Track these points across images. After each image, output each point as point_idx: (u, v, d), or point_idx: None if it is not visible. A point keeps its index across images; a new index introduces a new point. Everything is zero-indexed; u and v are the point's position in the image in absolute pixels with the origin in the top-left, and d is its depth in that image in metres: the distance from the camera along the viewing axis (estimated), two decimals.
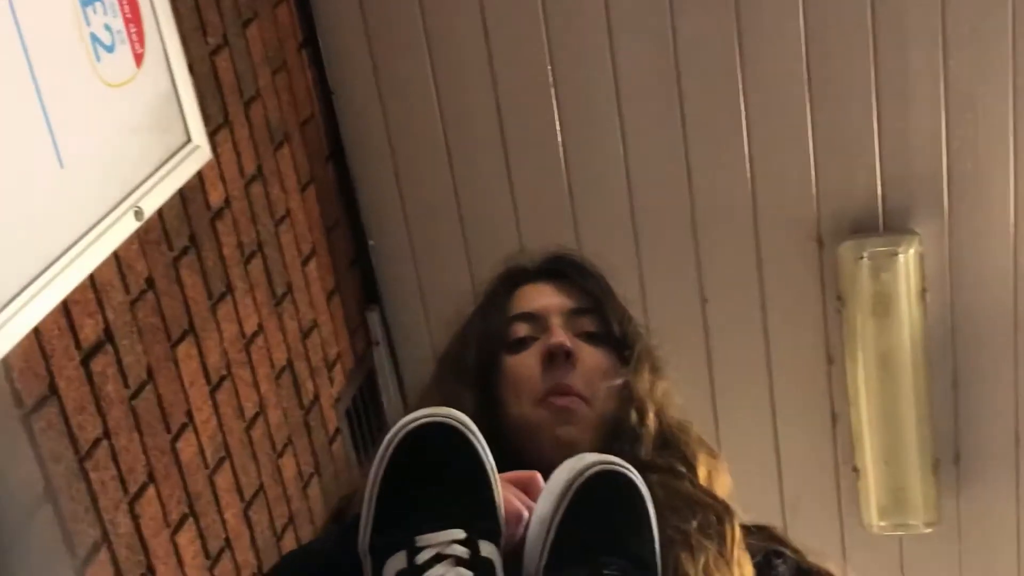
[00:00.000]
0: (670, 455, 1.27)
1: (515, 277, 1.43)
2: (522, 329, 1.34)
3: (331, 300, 2.67)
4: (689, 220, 2.66)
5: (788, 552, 1.25)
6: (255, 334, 2.30)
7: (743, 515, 1.25)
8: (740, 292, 2.70)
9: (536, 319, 1.34)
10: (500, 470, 1.03)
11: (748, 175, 2.60)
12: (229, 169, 2.25)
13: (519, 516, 1.03)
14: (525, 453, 1.24)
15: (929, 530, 2.78)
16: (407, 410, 1.02)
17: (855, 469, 2.77)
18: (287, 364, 2.43)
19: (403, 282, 2.85)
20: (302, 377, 2.49)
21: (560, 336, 1.30)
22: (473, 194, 2.72)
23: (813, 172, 2.57)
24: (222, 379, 2.16)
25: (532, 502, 1.04)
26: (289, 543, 2.32)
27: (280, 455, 2.35)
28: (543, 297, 1.37)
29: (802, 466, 2.82)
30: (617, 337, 1.34)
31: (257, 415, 2.28)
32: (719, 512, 1.19)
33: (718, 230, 2.66)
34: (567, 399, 1.26)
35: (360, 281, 2.85)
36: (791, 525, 2.78)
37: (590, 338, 1.33)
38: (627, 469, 1.00)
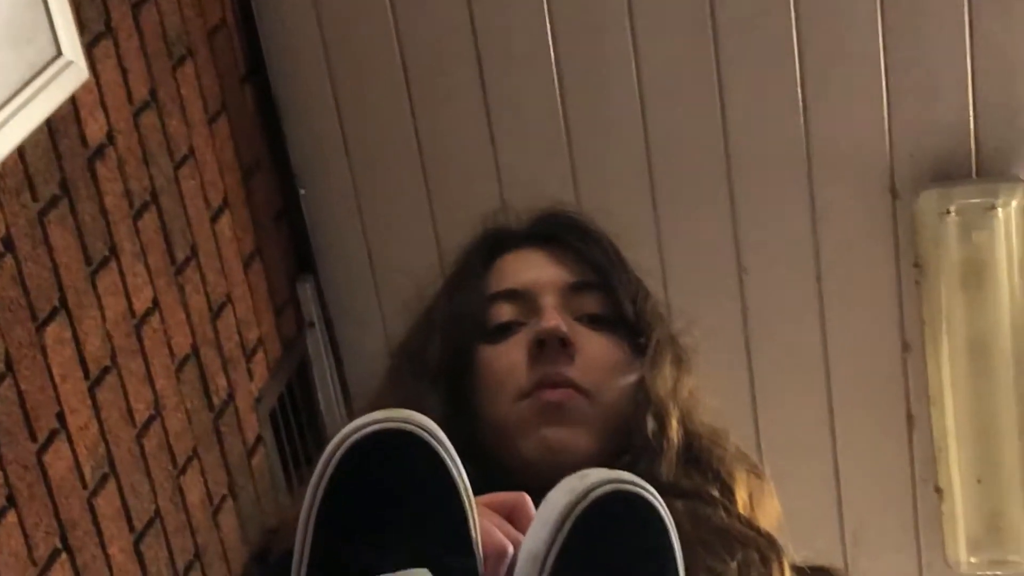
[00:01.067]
0: (699, 475, 1.28)
1: (496, 243, 1.43)
2: (505, 311, 1.34)
3: (249, 267, 2.67)
4: (723, 167, 2.66)
5: None
6: (148, 312, 2.29)
7: (793, 552, 1.26)
8: (788, 260, 2.71)
9: (523, 298, 1.34)
10: (478, 492, 1.03)
11: (800, 107, 2.59)
12: (113, 94, 2.23)
13: (502, 551, 1.03)
14: (507, 469, 1.24)
15: None
16: (352, 414, 1.02)
17: (938, 489, 2.79)
18: (191, 352, 2.43)
19: (345, 244, 2.85)
20: (211, 369, 2.49)
21: (554, 319, 1.30)
22: (439, 129, 2.72)
23: (885, 102, 2.58)
24: (104, 371, 2.15)
25: (520, 534, 1.04)
26: None
27: (182, 472, 2.35)
28: (532, 270, 1.37)
29: (869, 486, 2.84)
30: (629, 320, 1.35)
31: (152, 419, 2.28)
32: (763, 548, 1.20)
33: (759, 177, 2.66)
34: (559, 392, 1.27)
35: (288, 243, 2.85)
36: (855, 562, 2.82)
37: (593, 322, 1.34)
38: (645, 489, 1.00)
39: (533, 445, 1.26)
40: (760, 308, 2.74)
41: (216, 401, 2.49)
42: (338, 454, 0.98)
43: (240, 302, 2.62)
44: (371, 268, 2.84)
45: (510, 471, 1.24)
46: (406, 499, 0.98)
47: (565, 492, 1.00)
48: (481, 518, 1.02)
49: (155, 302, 2.32)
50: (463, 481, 1.00)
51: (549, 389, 1.28)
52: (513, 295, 1.35)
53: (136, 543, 2.19)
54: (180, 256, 2.41)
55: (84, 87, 2.11)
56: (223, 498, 2.48)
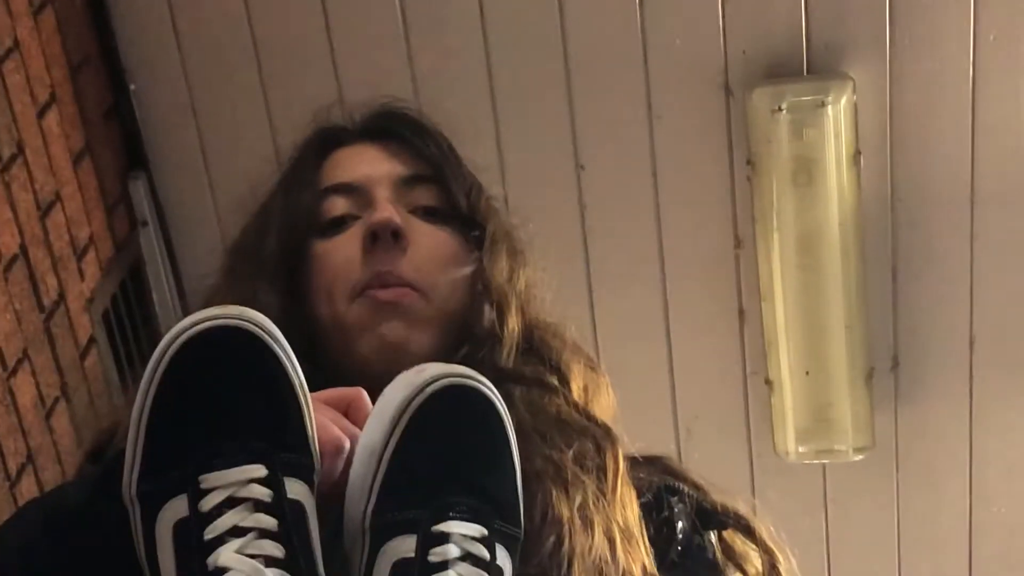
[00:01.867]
0: (537, 364, 1.29)
1: (330, 139, 1.42)
2: (338, 205, 1.34)
3: (79, 165, 2.61)
4: (560, 62, 2.66)
5: (685, 488, 1.29)
6: None
7: (628, 443, 1.28)
8: (624, 156, 2.73)
9: (356, 191, 1.34)
10: (313, 388, 1.03)
11: (636, 3, 2.60)
12: None
13: (339, 446, 1.04)
14: (345, 366, 1.25)
15: (860, 456, 2.88)
16: (188, 314, 1.01)
17: (767, 382, 2.86)
18: (19, 252, 2.38)
19: (178, 140, 2.80)
20: (40, 270, 2.44)
21: (386, 211, 1.30)
22: (274, 22, 2.68)
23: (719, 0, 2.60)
24: None
25: (356, 429, 1.05)
26: (28, 491, 2.30)
27: (12, 374, 2.32)
28: (365, 164, 1.36)
29: (701, 379, 2.90)
30: (463, 213, 1.36)
31: None
32: (599, 437, 1.22)
33: (596, 75, 2.67)
34: (392, 291, 1.27)
35: (119, 139, 2.80)
36: (688, 452, 2.89)
37: (428, 214, 1.35)
38: (481, 383, 1.01)
39: (370, 343, 1.27)
40: (596, 204, 2.76)
41: (46, 302, 2.45)
42: (170, 351, 0.98)
43: (70, 200, 2.57)
44: (205, 165, 2.80)
45: (348, 370, 1.24)
46: (240, 396, 0.98)
47: (402, 387, 1.01)
48: (317, 414, 1.02)
49: None
50: (298, 377, 1.00)
51: (382, 288, 1.28)
52: (347, 188, 1.34)
53: None
54: (6, 153, 2.36)
55: None
56: (56, 400, 2.45)
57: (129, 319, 2.76)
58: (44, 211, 2.47)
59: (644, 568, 1.15)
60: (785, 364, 2.80)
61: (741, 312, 2.84)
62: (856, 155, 2.67)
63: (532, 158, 2.71)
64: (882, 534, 3.00)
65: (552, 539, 1.11)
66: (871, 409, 2.85)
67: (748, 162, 2.68)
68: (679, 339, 2.86)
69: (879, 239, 2.74)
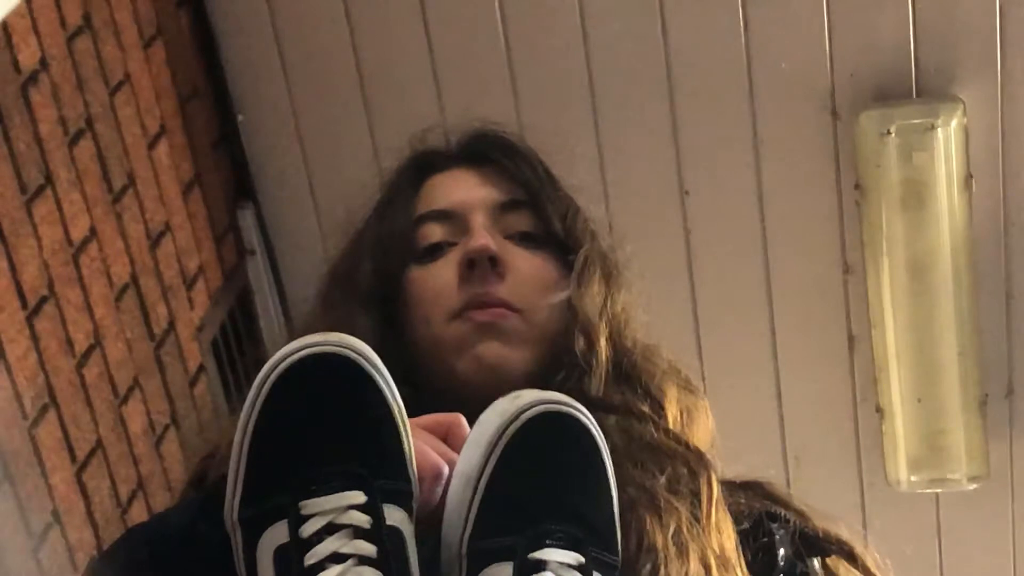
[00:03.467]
0: (630, 390, 1.29)
1: (425, 164, 1.43)
2: (434, 232, 1.35)
3: (188, 195, 2.65)
4: (664, 85, 2.66)
5: (786, 514, 1.27)
6: (86, 241, 2.28)
7: (728, 468, 1.28)
8: (730, 181, 2.72)
9: (452, 218, 1.35)
10: (412, 414, 1.04)
11: (740, 25, 2.60)
12: (45, 18, 2.21)
13: (437, 472, 1.04)
14: (442, 390, 1.26)
15: (974, 486, 2.84)
16: (292, 339, 1.02)
17: (878, 409, 2.82)
18: (130, 281, 2.41)
19: (285, 169, 2.83)
20: (151, 298, 2.48)
21: (483, 238, 1.31)
22: (378, 51, 2.70)
23: (826, 22, 2.58)
24: (42, 301, 2.14)
25: (454, 454, 1.05)
26: (138, 517, 2.33)
27: (124, 402, 2.35)
28: (461, 189, 1.37)
29: (811, 407, 2.87)
30: (559, 237, 1.36)
31: (92, 349, 2.27)
32: (692, 463, 1.21)
33: (701, 99, 2.66)
34: (490, 311, 1.28)
35: (228, 169, 2.83)
36: (797, 482, 2.86)
37: (524, 240, 1.35)
38: (576, 410, 1.01)
39: (468, 363, 1.27)
40: (702, 229, 2.75)
41: (157, 330, 2.48)
42: (271, 378, 0.99)
43: (179, 230, 2.60)
44: (312, 193, 2.83)
45: (445, 393, 1.25)
46: (340, 422, 0.99)
47: (497, 413, 1.01)
48: (416, 440, 1.03)
49: (92, 230, 2.30)
50: (397, 403, 1.01)
51: (479, 310, 1.28)
52: (442, 215, 1.35)
53: (78, 474, 2.18)
54: (117, 184, 2.39)
55: (15, 12, 2.08)
56: (166, 427, 2.47)
57: (237, 347, 2.78)
58: (154, 241, 2.51)
59: None
60: (896, 391, 2.77)
61: (851, 339, 2.81)
62: (967, 178, 2.63)
63: (636, 183, 2.71)
64: (997, 566, 2.95)
65: (647, 567, 1.11)
66: (985, 437, 2.81)
67: (856, 186, 2.66)
68: (787, 366, 2.84)
69: (992, 263, 2.70)
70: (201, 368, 2.63)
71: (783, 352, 2.82)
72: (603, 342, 1.30)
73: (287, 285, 2.91)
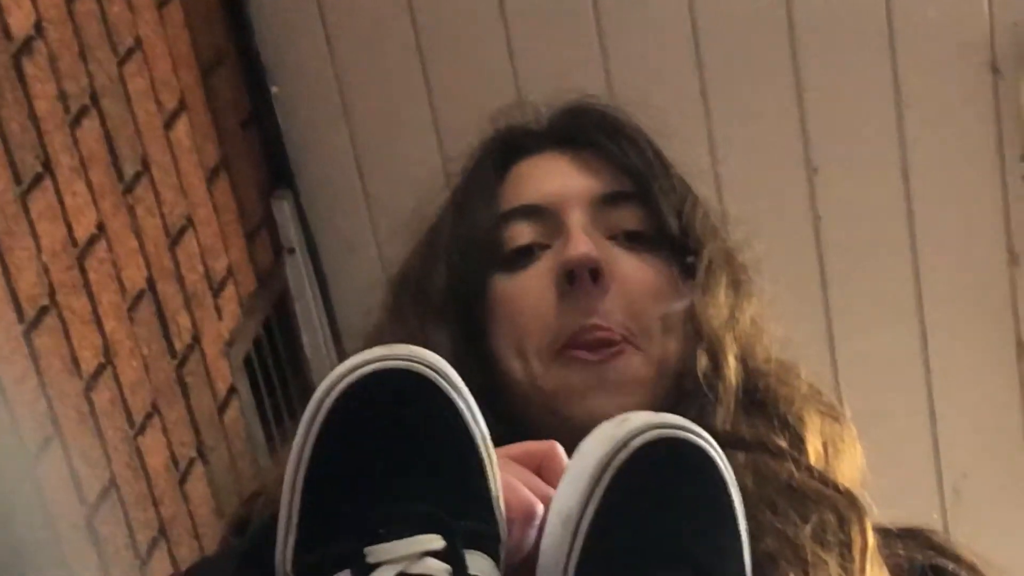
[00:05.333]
0: (763, 422, 1.29)
1: (510, 148, 1.43)
2: (523, 232, 1.35)
3: (213, 183, 2.67)
4: (786, 45, 2.66)
5: (955, 568, 1.27)
6: (93, 240, 2.30)
7: (878, 511, 1.27)
8: (867, 154, 2.71)
9: (545, 215, 1.35)
10: (499, 442, 1.04)
11: None
12: None
13: (530, 512, 1.04)
14: (536, 426, 1.26)
15: None
16: (343, 358, 1.02)
17: None
18: (146, 287, 2.43)
19: (329, 151, 2.86)
20: (171, 308, 2.50)
21: (583, 244, 1.30)
22: (440, 9, 2.71)
23: None
24: (42, 312, 2.16)
25: (550, 490, 1.05)
26: (161, 569, 2.35)
27: (140, 432, 2.37)
28: (555, 179, 1.37)
29: (971, 428, 2.86)
30: (674, 236, 1.36)
31: (101, 368, 2.29)
32: (841, 507, 1.21)
33: (830, 57, 2.66)
34: (602, 352, 1.28)
35: (260, 152, 2.85)
36: (957, 519, 2.84)
37: (632, 240, 1.35)
38: (697, 435, 1.01)
39: (579, 414, 1.26)
40: (834, 214, 2.75)
41: (179, 346, 2.50)
42: (329, 399, 0.99)
43: (204, 225, 2.62)
44: (361, 180, 2.85)
45: (542, 424, 1.25)
46: (412, 452, 0.99)
47: (602, 441, 1.01)
48: (504, 473, 1.03)
49: (100, 227, 2.32)
50: (480, 428, 1.01)
51: (588, 349, 1.28)
52: (533, 212, 1.35)
53: (89, 518, 2.20)
54: (129, 171, 2.41)
55: None
56: (191, 462, 2.49)
57: (275, 365, 2.80)
58: (174, 239, 2.53)
59: None
60: None
61: (1020, 344, 2.80)
62: None
63: (753, 161, 2.71)
64: None
65: None
66: None
67: (1022, 158, 2.64)
68: (942, 379, 2.83)
69: None
70: (232, 390, 2.65)
71: (936, 362, 2.82)
72: (732, 362, 1.30)
73: (333, 290, 2.93)
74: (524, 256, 1.34)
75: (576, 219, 1.33)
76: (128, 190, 2.41)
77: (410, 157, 2.71)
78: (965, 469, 2.87)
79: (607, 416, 1.23)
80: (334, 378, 1.00)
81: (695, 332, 1.31)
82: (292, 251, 2.88)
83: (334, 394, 0.99)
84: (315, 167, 2.87)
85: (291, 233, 2.87)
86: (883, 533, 1.25)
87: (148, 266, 2.44)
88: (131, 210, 2.41)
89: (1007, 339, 2.80)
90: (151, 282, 2.45)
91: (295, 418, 1.01)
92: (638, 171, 1.37)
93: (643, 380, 1.29)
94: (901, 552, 1.25)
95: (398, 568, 0.95)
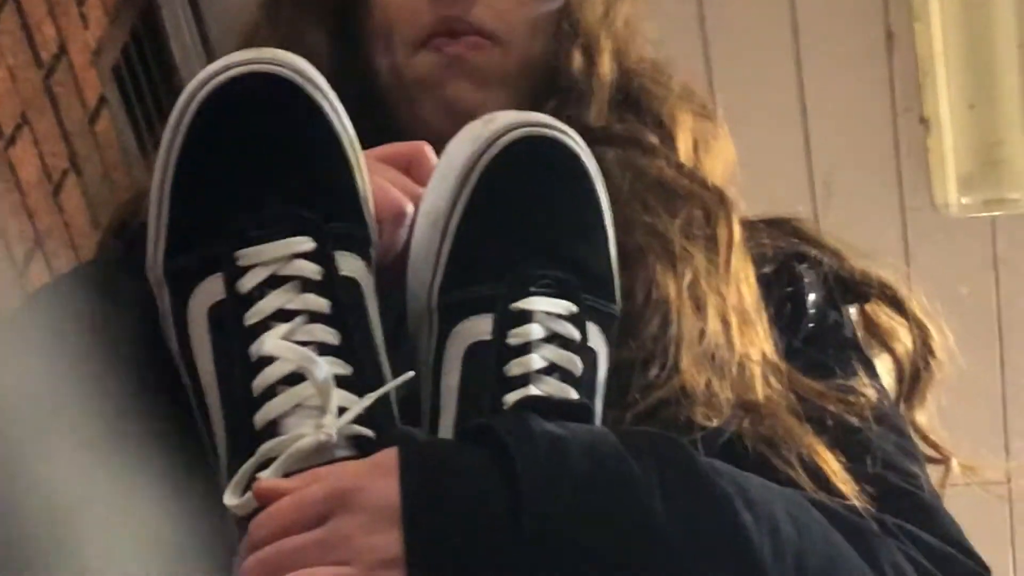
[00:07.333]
0: (636, 119, 1.29)
1: None
2: None
3: None
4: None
5: (818, 254, 1.28)
6: None
7: (747, 205, 1.29)
8: None
9: None
10: (368, 145, 1.05)
11: None
12: None
13: (400, 211, 1.05)
14: (405, 131, 1.25)
15: None
16: (214, 60, 1.01)
17: (923, 120, 2.84)
18: None
19: None
20: (35, 16, 2.46)
21: None
22: None
23: None
24: None
25: (420, 189, 1.06)
26: (38, 279, 2.36)
27: (10, 143, 2.35)
28: None
29: (841, 120, 2.89)
30: None
31: None
32: (709, 203, 1.22)
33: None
34: (462, 42, 1.27)
35: None
36: (827, 211, 2.89)
37: None
38: (562, 132, 1.02)
39: (434, 106, 1.27)
40: None
41: (45, 56, 2.47)
42: (194, 104, 0.99)
43: None
44: None
45: (411, 132, 1.23)
46: (280, 156, 0.99)
47: (469, 140, 1.02)
48: (373, 174, 1.03)
49: None
50: (347, 131, 1.01)
51: (449, 38, 1.27)
52: None
53: None
54: None
55: None
56: (64, 173, 2.48)
57: (145, 72, 2.77)
58: None
59: (764, 355, 1.14)
60: (944, 96, 2.79)
61: (889, 35, 2.81)
62: None
63: None
64: None
65: (657, 321, 1.11)
66: None
67: None
68: (813, 72, 2.85)
69: None
70: (102, 100, 2.63)
71: (807, 56, 2.83)
72: (606, 60, 1.30)
73: None
74: None
75: None
76: None
77: None
78: (836, 161, 2.90)
79: (466, 106, 1.24)
80: (199, 81, 0.99)
81: (570, 29, 1.30)
82: None
83: (199, 97, 0.99)
84: None
85: None
86: (749, 226, 1.26)
87: None
88: None
89: (876, 30, 2.81)
90: None
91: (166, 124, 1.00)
92: None
93: (503, 74, 1.28)
94: (766, 241, 1.26)
95: (270, 270, 0.96)
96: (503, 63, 1.29)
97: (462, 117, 1.11)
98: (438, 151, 1.08)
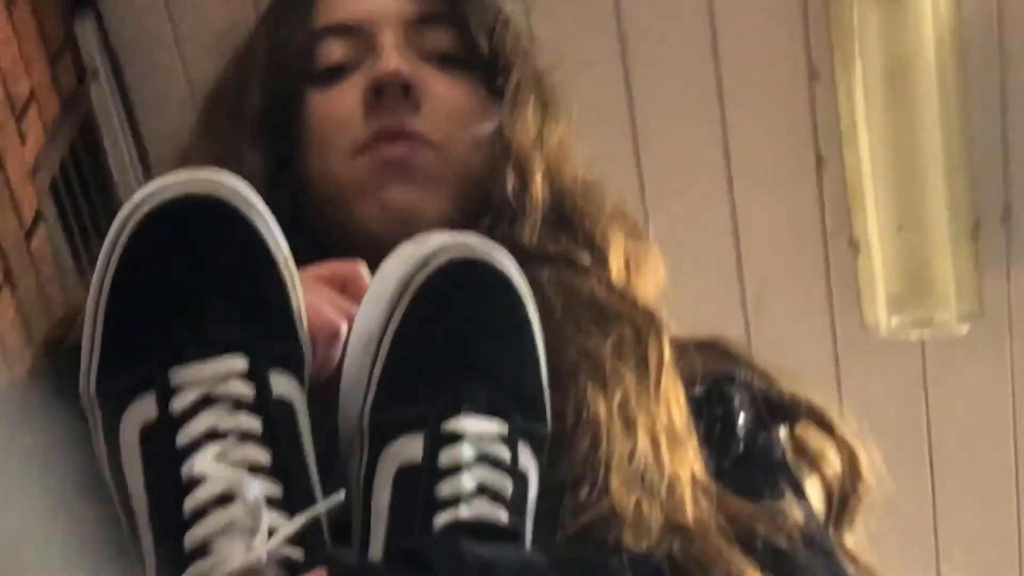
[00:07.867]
0: (569, 238, 1.31)
1: None
2: (335, 50, 1.35)
3: (13, 4, 2.60)
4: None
5: (748, 376, 1.29)
6: None
7: (679, 326, 1.29)
8: None
9: (358, 34, 1.35)
10: (303, 263, 1.05)
11: None
12: None
13: (334, 331, 1.06)
14: (341, 241, 1.26)
15: (965, 326, 2.88)
16: (151, 178, 1.02)
17: (852, 242, 2.86)
18: None
19: None
20: None
21: (393, 61, 1.31)
22: None
23: None
24: None
25: (353, 309, 1.06)
26: None
27: None
28: None
29: (773, 241, 2.90)
30: (484, 58, 1.36)
31: None
32: (640, 324, 1.23)
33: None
34: (400, 146, 1.29)
35: None
36: (759, 329, 2.89)
37: (444, 62, 1.35)
38: (495, 255, 1.02)
39: (372, 208, 1.28)
40: (641, 32, 2.75)
41: None
42: (129, 225, 0.99)
43: (3, 48, 2.57)
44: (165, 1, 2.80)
45: (346, 242, 1.25)
46: (213, 275, 0.99)
47: (402, 261, 1.02)
48: (308, 294, 1.04)
49: None
50: (282, 251, 1.01)
51: (387, 143, 1.29)
52: (345, 30, 1.35)
53: None
54: None
55: None
56: None
57: (82, 189, 2.76)
58: None
59: (693, 475, 1.14)
60: (873, 219, 2.80)
61: (819, 159, 2.84)
62: None
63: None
64: (993, 418, 3.02)
65: (587, 441, 1.12)
66: (977, 269, 2.85)
67: None
68: (744, 194, 2.87)
69: (984, 66, 2.72)
70: (39, 215, 2.61)
71: (739, 177, 2.85)
72: (538, 181, 1.31)
73: (139, 113, 2.88)
74: (337, 73, 1.34)
75: (389, 38, 1.33)
76: None
77: None
78: (767, 281, 2.91)
79: (402, 208, 1.25)
80: (135, 203, 0.99)
81: (503, 150, 1.32)
82: (96, 74, 2.83)
83: (135, 219, 0.99)
84: None
85: (94, 55, 2.82)
86: (680, 346, 1.26)
87: None
88: None
89: (806, 154, 2.83)
90: None
91: (103, 241, 1.00)
92: None
93: (440, 179, 1.30)
94: (697, 362, 1.27)
95: (202, 390, 0.95)
96: (441, 168, 1.31)
97: (398, 220, 1.12)
98: (373, 256, 1.08)
